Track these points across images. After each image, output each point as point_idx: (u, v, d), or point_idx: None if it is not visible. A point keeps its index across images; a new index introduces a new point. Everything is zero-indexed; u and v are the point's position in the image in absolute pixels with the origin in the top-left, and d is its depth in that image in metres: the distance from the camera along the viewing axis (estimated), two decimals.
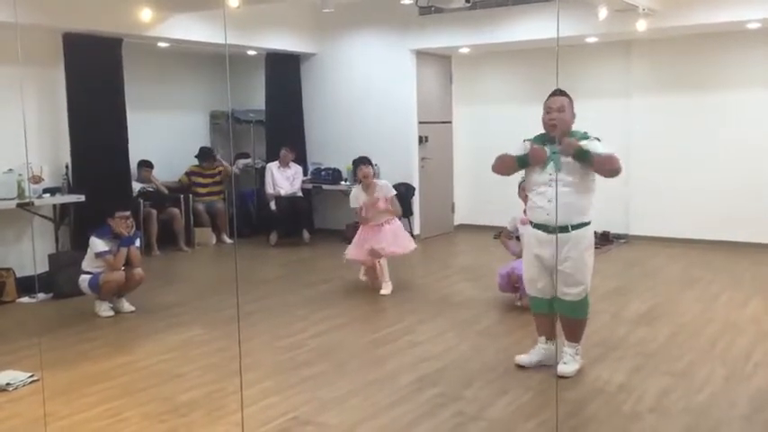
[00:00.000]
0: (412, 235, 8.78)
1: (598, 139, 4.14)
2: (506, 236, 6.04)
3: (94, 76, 7.35)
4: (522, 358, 4.44)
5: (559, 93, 4.19)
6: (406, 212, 8.83)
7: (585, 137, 4.14)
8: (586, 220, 4.14)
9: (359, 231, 6.56)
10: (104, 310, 5.82)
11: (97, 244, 5.80)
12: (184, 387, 4.20)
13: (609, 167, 4.03)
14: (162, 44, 8.31)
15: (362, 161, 6.61)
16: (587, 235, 4.16)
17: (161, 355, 4.80)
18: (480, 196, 9.71)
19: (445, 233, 9.65)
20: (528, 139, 4.29)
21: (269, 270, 7.64)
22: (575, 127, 4.22)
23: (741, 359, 4.50)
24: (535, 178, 4.21)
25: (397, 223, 6.60)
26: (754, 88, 7.99)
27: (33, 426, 3.68)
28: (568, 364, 4.24)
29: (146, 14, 7.21)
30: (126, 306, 5.92)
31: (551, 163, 4.12)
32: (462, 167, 9.88)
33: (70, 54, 7.22)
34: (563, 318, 4.28)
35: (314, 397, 4.01)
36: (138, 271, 5.96)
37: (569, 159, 4.06)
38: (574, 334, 4.29)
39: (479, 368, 4.44)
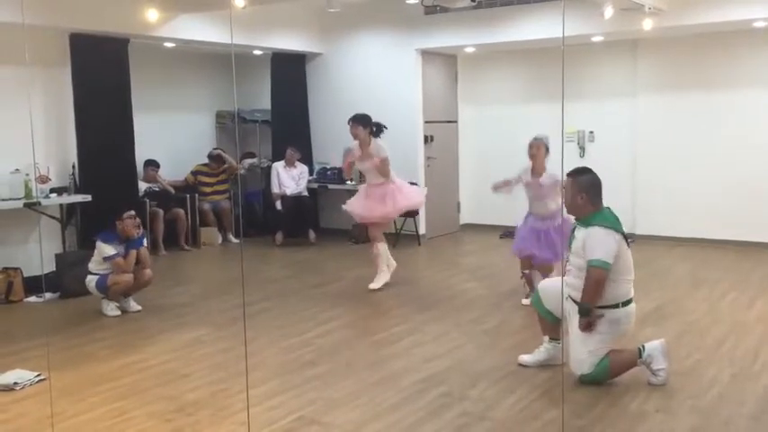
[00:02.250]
0: (417, 235, 8.83)
1: (609, 227, 4.02)
2: (511, 181, 5.94)
3: (101, 77, 7.37)
4: (526, 358, 4.44)
5: (571, 172, 4.20)
6: (412, 212, 8.81)
7: (592, 221, 4.06)
8: (606, 303, 4.06)
9: (362, 188, 6.54)
10: (111, 309, 5.83)
11: (105, 248, 5.82)
12: (190, 387, 4.21)
13: (590, 293, 4.02)
14: (168, 44, 8.33)
15: (354, 119, 6.36)
16: (608, 315, 4.08)
17: (167, 355, 4.81)
18: (486, 196, 9.54)
19: (451, 233, 9.64)
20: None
21: (275, 270, 7.65)
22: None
23: (748, 359, 4.48)
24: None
25: (398, 183, 6.51)
26: (761, 87, 7.95)
27: (40, 425, 3.70)
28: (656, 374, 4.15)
29: (152, 15, 7.23)
30: (132, 305, 5.94)
31: (570, 244, 4.21)
32: (468, 167, 9.87)
33: (77, 54, 7.24)
34: None
35: (319, 397, 4.01)
36: (148, 272, 5.98)
37: (579, 243, 4.07)
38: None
39: (485, 368, 4.43)
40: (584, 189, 4.12)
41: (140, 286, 5.99)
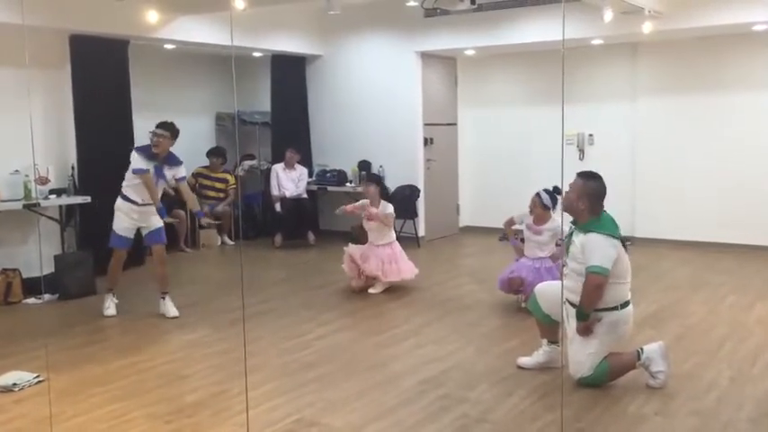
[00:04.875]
0: (416, 237, 8.84)
1: (610, 234, 4.03)
2: (509, 224, 5.95)
3: (101, 78, 7.37)
4: (525, 360, 4.44)
5: (579, 174, 4.19)
6: (411, 214, 8.84)
7: (591, 227, 4.06)
8: (602, 306, 4.06)
9: (366, 247, 6.60)
10: (107, 308, 5.83)
11: (137, 160, 5.62)
12: (190, 388, 4.21)
13: (588, 299, 4.01)
14: (168, 46, 8.33)
15: (368, 178, 7.07)
16: (607, 317, 4.07)
17: (167, 356, 4.81)
18: (485, 198, 9.70)
19: (450, 235, 9.64)
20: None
21: (274, 272, 7.65)
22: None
23: (748, 361, 4.49)
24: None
25: (398, 248, 6.67)
26: (761, 90, 7.96)
27: (39, 426, 3.69)
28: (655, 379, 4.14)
29: (152, 16, 7.23)
30: (171, 310, 5.76)
31: (569, 248, 4.18)
32: (467, 169, 9.88)
33: (77, 56, 7.24)
34: None
35: (319, 398, 4.01)
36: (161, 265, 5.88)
37: (578, 247, 4.07)
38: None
39: (484, 370, 4.43)
40: (589, 195, 4.11)
41: (162, 277, 5.86)
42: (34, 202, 6.60)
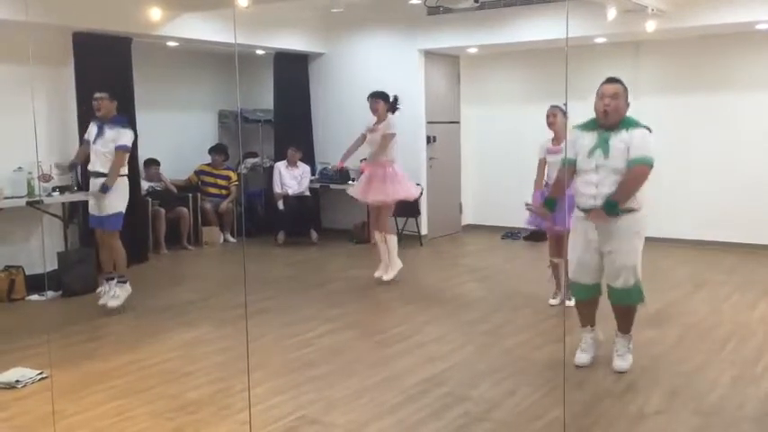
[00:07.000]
0: (419, 235, 8.84)
1: (649, 129, 4.10)
2: (542, 164, 5.74)
3: (104, 75, 7.34)
4: (583, 358, 4.37)
5: (614, 80, 4.18)
6: (414, 213, 8.84)
7: (632, 124, 4.12)
8: (634, 206, 4.09)
9: (364, 172, 6.70)
10: (102, 294, 5.89)
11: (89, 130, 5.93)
12: (192, 385, 4.21)
13: (633, 188, 4.04)
14: (171, 43, 8.34)
15: (374, 95, 6.67)
16: (635, 220, 4.11)
17: (169, 354, 4.82)
18: (488, 196, 9.70)
19: (452, 233, 9.64)
20: (576, 126, 4.29)
21: (276, 269, 7.65)
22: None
23: (751, 361, 4.48)
24: (581, 165, 4.16)
25: (397, 169, 6.65)
26: (764, 89, 7.95)
27: (42, 423, 3.70)
28: (624, 357, 4.22)
29: (155, 14, 7.23)
30: (111, 299, 5.81)
31: (598, 149, 4.10)
32: (470, 167, 9.87)
33: (80, 53, 7.25)
34: (614, 307, 4.27)
35: (321, 396, 4.01)
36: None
37: (620, 145, 4.04)
38: (625, 323, 4.26)
39: (486, 369, 4.43)
40: (627, 91, 4.16)
41: (115, 259, 5.91)
42: (37, 199, 6.62)
